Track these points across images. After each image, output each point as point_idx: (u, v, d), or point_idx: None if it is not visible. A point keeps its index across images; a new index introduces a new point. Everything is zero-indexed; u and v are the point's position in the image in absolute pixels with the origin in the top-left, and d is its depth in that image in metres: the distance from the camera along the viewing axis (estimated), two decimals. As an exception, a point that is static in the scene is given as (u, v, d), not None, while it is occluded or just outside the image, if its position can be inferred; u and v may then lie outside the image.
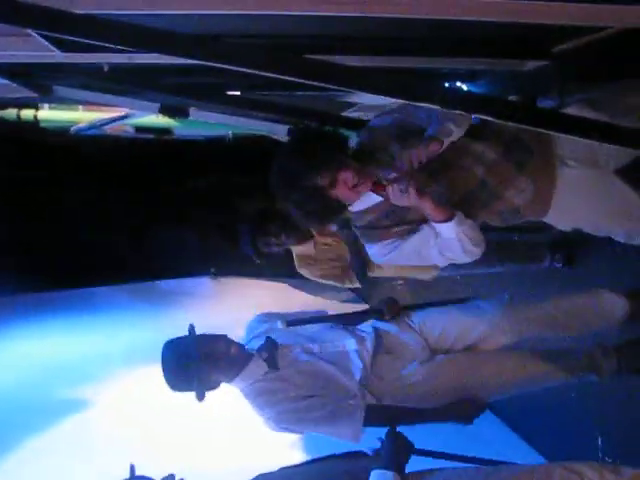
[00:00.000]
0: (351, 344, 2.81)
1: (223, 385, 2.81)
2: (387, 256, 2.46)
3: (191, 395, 2.73)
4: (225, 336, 2.82)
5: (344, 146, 2.36)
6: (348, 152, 2.37)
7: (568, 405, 2.70)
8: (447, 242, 2.36)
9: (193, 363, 2.68)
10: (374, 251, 2.49)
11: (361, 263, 3.36)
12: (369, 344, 2.79)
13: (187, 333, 2.80)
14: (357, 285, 3.62)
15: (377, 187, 2.31)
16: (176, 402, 4.99)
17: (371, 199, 2.38)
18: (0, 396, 5.61)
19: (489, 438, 3.99)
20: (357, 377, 2.76)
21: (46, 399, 5.53)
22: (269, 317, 3.04)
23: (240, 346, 2.85)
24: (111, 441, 4.70)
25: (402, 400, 2.81)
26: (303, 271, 3.60)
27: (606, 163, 2.48)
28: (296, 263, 3.60)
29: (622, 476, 2.36)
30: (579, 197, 2.48)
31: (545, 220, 2.56)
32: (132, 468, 2.51)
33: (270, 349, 2.82)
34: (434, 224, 2.34)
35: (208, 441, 4.58)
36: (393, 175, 2.29)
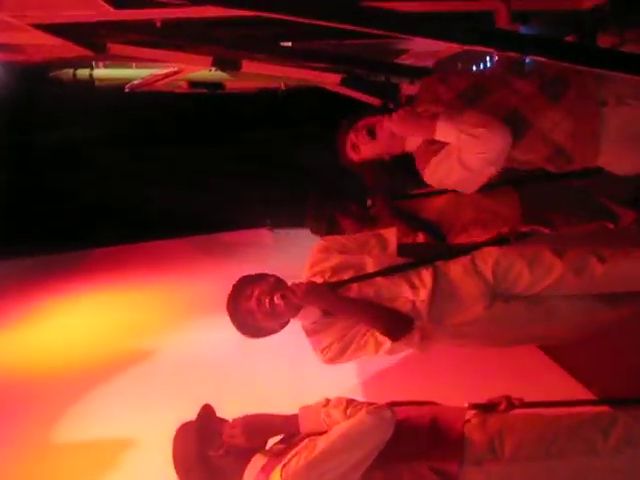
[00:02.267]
0: (406, 293, 2.73)
1: None
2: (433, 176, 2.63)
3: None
4: (276, 277, 2.77)
5: None
6: None
7: (627, 342, 2.64)
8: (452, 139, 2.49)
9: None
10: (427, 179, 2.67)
11: None
12: (424, 293, 2.73)
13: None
14: None
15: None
16: (239, 354, 5.19)
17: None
18: (71, 347, 5.86)
19: (543, 380, 3.99)
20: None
21: (114, 350, 5.71)
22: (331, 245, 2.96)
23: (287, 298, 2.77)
24: (173, 388, 4.84)
25: (459, 344, 2.83)
26: None
27: None
28: None
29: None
30: (632, 137, 2.42)
31: (601, 165, 2.51)
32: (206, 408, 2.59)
33: None
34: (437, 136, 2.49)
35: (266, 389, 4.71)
36: None
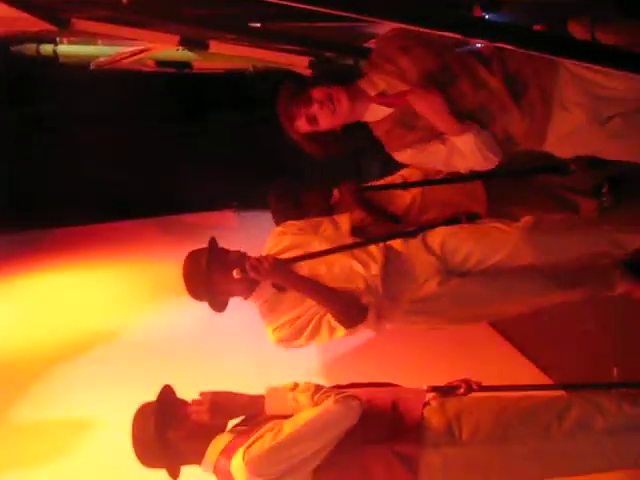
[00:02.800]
0: (357, 268, 2.76)
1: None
2: (413, 158, 2.59)
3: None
4: (240, 252, 2.78)
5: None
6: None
7: (583, 329, 2.70)
8: (467, 152, 2.46)
9: (206, 272, 2.69)
10: (401, 157, 2.61)
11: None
12: (375, 268, 2.74)
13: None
14: None
15: (382, 98, 2.45)
16: (202, 336, 5.18)
17: (382, 111, 2.50)
18: (32, 326, 5.81)
19: (502, 364, 4.05)
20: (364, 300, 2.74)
21: (76, 330, 5.67)
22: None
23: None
24: (136, 370, 4.83)
25: (415, 322, 2.87)
26: None
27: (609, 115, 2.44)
28: None
29: (641, 407, 2.40)
30: (571, 142, 2.52)
31: (543, 149, 2.57)
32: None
33: None
34: (452, 137, 2.44)
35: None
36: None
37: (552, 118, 2.46)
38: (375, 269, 2.73)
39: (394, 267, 2.76)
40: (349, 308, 2.68)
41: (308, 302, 2.72)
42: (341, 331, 2.69)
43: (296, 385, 2.51)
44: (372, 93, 2.51)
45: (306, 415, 2.36)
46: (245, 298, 2.82)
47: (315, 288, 2.71)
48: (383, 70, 2.51)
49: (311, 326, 2.72)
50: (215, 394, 2.51)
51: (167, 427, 2.46)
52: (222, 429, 2.52)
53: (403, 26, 2.21)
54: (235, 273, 2.63)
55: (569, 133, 2.48)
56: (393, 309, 2.79)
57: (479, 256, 2.80)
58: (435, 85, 2.42)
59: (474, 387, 2.67)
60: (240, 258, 2.71)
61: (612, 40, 2.47)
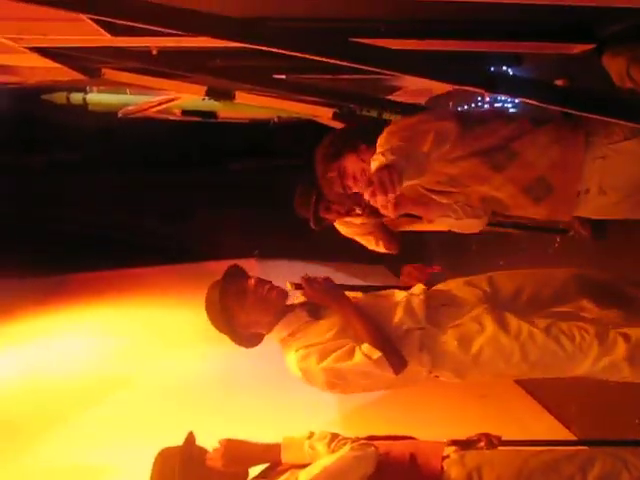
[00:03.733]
0: (400, 295, 2.62)
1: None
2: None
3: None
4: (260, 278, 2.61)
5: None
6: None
7: (605, 384, 2.65)
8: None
9: (220, 301, 2.51)
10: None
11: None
12: (418, 290, 2.63)
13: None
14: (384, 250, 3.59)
15: None
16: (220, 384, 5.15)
17: None
18: (51, 372, 5.81)
19: (523, 418, 3.99)
20: (404, 327, 2.50)
21: (94, 376, 5.68)
22: None
23: (281, 292, 2.61)
24: (152, 417, 4.82)
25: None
26: (340, 227, 3.55)
27: None
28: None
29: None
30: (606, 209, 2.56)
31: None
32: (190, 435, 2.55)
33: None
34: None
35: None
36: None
37: (578, 206, 2.50)
38: (419, 289, 2.63)
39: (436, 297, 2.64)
40: (391, 353, 2.42)
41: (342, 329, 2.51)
42: (377, 355, 2.39)
43: (312, 434, 2.49)
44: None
45: (323, 462, 2.33)
46: (269, 330, 2.59)
47: (363, 319, 2.48)
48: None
49: (343, 350, 2.45)
50: (229, 441, 2.50)
51: (190, 473, 2.45)
52: (243, 478, 2.50)
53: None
54: (267, 289, 2.54)
55: (600, 212, 2.55)
56: (435, 336, 2.51)
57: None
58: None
59: (494, 441, 2.63)
60: (259, 282, 2.58)
61: None
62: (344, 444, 2.37)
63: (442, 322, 2.52)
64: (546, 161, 2.43)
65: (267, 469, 2.51)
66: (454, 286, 2.70)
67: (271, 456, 2.48)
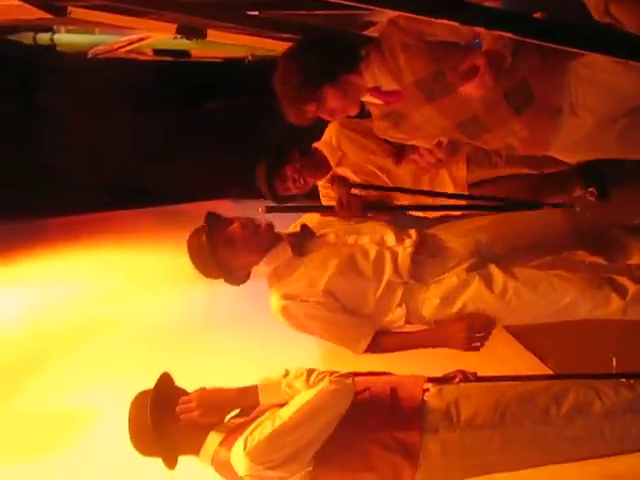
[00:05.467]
0: (390, 240, 2.66)
1: None
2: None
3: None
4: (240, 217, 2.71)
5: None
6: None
7: (582, 323, 2.69)
8: None
9: (210, 250, 2.59)
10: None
11: None
12: (408, 243, 2.63)
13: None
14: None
15: (376, 93, 2.48)
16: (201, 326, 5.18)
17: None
18: (32, 316, 5.81)
19: (502, 354, 4.05)
20: (384, 278, 2.58)
21: (75, 319, 5.68)
22: None
23: (267, 226, 2.69)
24: (135, 359, 4.84)
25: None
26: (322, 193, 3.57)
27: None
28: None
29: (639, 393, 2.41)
30: (576, 145, 2.52)
31: (547, 154, 2.60)
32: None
33: (303, 236, 2.72)
34: None
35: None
36: None
37: (558, 127, 2.45)
38: (409, 243, 2.64)
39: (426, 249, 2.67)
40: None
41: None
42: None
43: (287, 372, 2.49)
44: (370, 84, 2.47)
45: (302, 398, 2.34)
46: (256, 263, 2.66)
47: None
48: (384, 64, 2.45)
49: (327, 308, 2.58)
50: (203, 391, 2.48)
51: (164, 416, 2.42)
52: (220, 422, 2.49)
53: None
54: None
55: (577, 141, 2.48)
56: (416, 291, 2.60)
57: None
58: (427, 94, 2.42)
59: (470, 377, 2.67)
60: (242, 225, 2.65)
61: (626, 19, 2.41)
62: (322, 378, 2.37)
63: (426, 276, 2.59)
64: (527, 66, 2.38)
65: (243, 410, 2.50)
66: (446, 236, 2.74)
67: (249, 400, 2.47)
